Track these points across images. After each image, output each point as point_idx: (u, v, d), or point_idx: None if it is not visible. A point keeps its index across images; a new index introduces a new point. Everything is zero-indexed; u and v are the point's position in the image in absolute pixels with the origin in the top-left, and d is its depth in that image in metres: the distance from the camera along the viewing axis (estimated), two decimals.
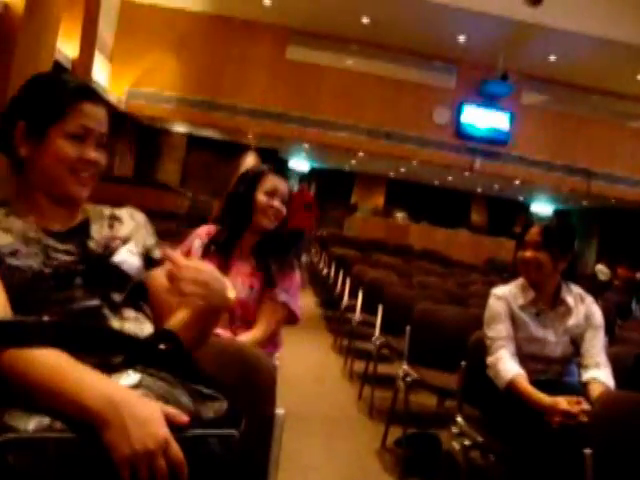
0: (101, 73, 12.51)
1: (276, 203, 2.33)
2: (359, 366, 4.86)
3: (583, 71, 13.32)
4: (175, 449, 0.94)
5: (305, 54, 14.13)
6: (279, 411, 1.45)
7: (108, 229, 1.38)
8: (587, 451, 1.58)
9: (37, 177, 1.29)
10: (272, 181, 2.35)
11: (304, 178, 10.55)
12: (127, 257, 1.33)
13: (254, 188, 2.34)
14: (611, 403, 1.69)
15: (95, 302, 1.22)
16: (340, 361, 5.39)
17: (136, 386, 1.04)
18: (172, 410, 0.99)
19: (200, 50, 13.57)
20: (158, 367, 1.11)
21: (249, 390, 1.44)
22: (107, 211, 1.44)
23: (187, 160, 16.78)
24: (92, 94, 1.34)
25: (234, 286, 2.15)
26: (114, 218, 1.42)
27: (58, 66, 9.44)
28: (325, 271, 8.22)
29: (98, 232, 1.35)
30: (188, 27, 13.50)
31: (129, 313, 1.28)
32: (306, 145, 14.97)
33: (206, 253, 2.30)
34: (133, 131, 15.43)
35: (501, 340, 2.35)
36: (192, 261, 1.24)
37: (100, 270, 1.28)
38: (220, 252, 2.31)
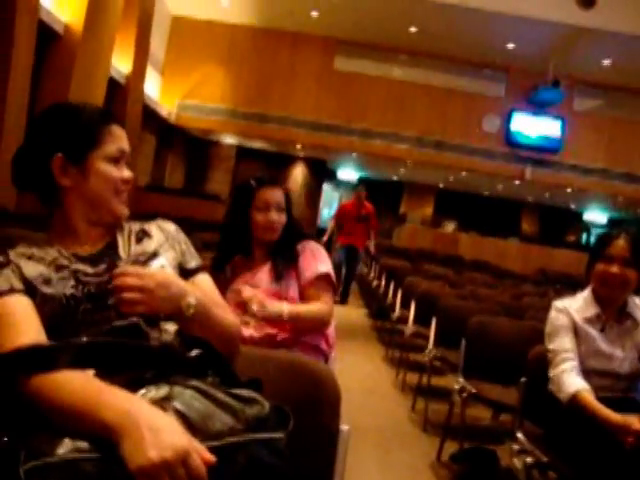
0: (153, 87, 12.81)
1: (273, 216, 2.33)
2: (411, 378, 4.82)
3: (636, 74, 12.98)
4: (195, 460, 0.92)
5: (353, 64, 14.18)
6: (344, 427, 1.44)
7: (136, 245, 1.39)
8: None
9: (81, 204, 1.32)
10: (262, 195, 2.33)
11: (358, 186, 9.52)
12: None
13: (248, 206, 2.35)
14: None
15: (133, 319, 1.22)
16: (392, 373, 5.35)
17: (166, 398, 1.03)
18: (198, 446, 0.95)
19: (249, 63, 13.77)
20: (191, 375, 1.11)
21: (314, 405, 1.44)
22: (136, 226, 1.44)
23: (236, 171, 16.95)
24: (114, 117, 1.38)
25: (260, 286, 2.20)
26: (143, 233, 1.43)
27: (113, 82, 9.70)
28: (375, 282, 8.18)
29: (126, 250, 1.36)
30: (237, 40, 13.72)
31: (169, 326, 1.29)
32: (354, 155, 14.98)
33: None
34: (183, 143, 15.71)
35: (564, 353, 2.27)
36: (134, 267, 1.24)
37: None
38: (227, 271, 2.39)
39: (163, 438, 0.91)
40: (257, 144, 16.17)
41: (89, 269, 1.29)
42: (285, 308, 2.16)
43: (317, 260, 2.34)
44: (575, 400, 2.14)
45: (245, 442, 1.01)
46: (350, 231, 8.79)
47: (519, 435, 2.38)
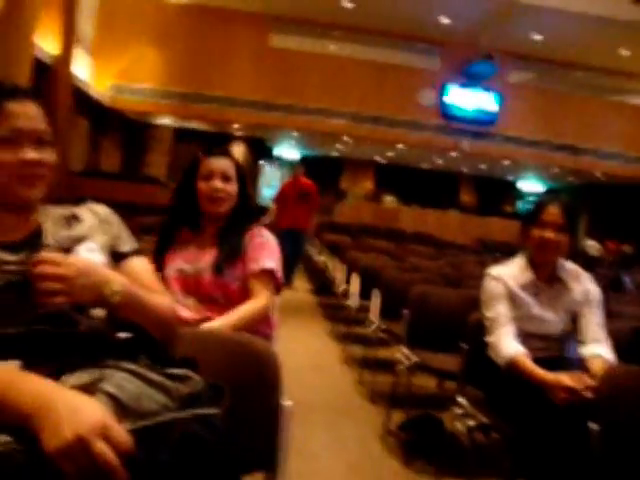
0: (83, 69, 12.40)
1: (217, 184, 2.25)
2: (357, 352, 4.87)
3: (567, 48, 13.31)
4: (117, 431, 0.89)
5: (288, 41, 14.07)
6: (286, 402, 1.44)
7: (65, 230, 1.33)
8: (594, 426, 1.58)
9: None
10: (206, 164, 2.28)
11: (299, 163, 9.00)
12: (86, 256, 1.28)
13: (194, 178, 2.29)
14: (615, 377, 1.70)
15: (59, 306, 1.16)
16: (338, 348, 5.40)
17: (94, 382, 1.01)
18: (116, 426, 0.92)
19: (183, 42, 13.46)
20: (122, 358, 1.09)
21: (254, 382, 1.44)
22: (66, 211, 1.38)
23: (174, 153, 16.69)
24: (15, 92, 1.26)
25: (202, 272, 2.16)
26: (73, 217, 1.37)
27: (40, 64, 9.35)
28: (318, 258, 8.22)
29: (53, 235, 1.30)
30: (169, 18, 13.39)
31: (97, 311, 1.24)
32: (293, 133, 14.94)
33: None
34: (119, 126, 15.33)
35: (501, 320, 2.34)
36: (53, 255, 1.15)
37: None
38: (174, 245, 2.31)
39: (78, 416, 0.88)
40: (194, 125, 15.93)
41: (10, 257, 1.22)
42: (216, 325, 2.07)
43: (265, 253, 2.28)
44: (512, 364, 2.21)
45: (178, 419, 1.00)
46: (292, 212, 8.14)
47: (461, 400, 2.44)
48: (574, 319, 2.42)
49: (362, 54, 14.27)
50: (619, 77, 14.61)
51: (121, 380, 1.02)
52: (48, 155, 1.29)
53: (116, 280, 1.19)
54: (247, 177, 2.41)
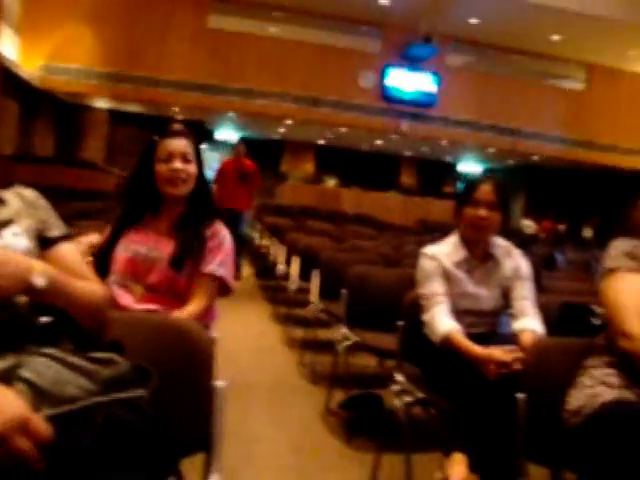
0: (9, 47, 11.89)
1: (176, 164, 2.17)
2: (298, 333, 4.88)
3: (503, 33, 13.55)
4: (36, 423, 0.88)
5: (227, 22, 13.84)
6: (218, 383, 1.43)
7: None
8: (520, 396, 1.63)
9: None
10: (164, 146, 2.20)
11: (240, 142, 8.33)
12: (11, 240, 1.24)
13: (152, 161, 2.21)
14: (542, 349, 1.75)
15: None
16: (279, 330, 5.40)
17: (10, 369, 0.99)
18: (35, 418, 0.90)
19: (119, 21, 13.05)
20: (43, 343, 1.06)
21: (187, 365, 1.42)
22: None
23: (112, 137, 16.30)
24: None
25: (157, 262, 2.11)
26: None
27: None
28: (259, 241, 8.19)
29: None
30: None
31: (19, 298, 1.20)
32: (232, 115, 14.77)
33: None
34: (52, 108, 14.83)
35: (436, 297, 2.38)
36: None
37: None
38: (133, 229, 2.23)
39: None
40: (132, 108, 15.57)
41: None
42: None
43: (219, 257, 2.21)
44: (447, 340, 2.26)
45: (100, 403, 0.99)
46: (232, 193, 7.60)
47: (398, 377, 2.48)
48: (506, 294, 2.48)
49: (303, 36, 14.17)
50: (551, 62, 14.98)
51: (40, 365, 0.99)
52: None
53: (40, 268, 1.15)
54: (202, 159, 2.33)
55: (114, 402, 1.00)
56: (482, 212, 2.38)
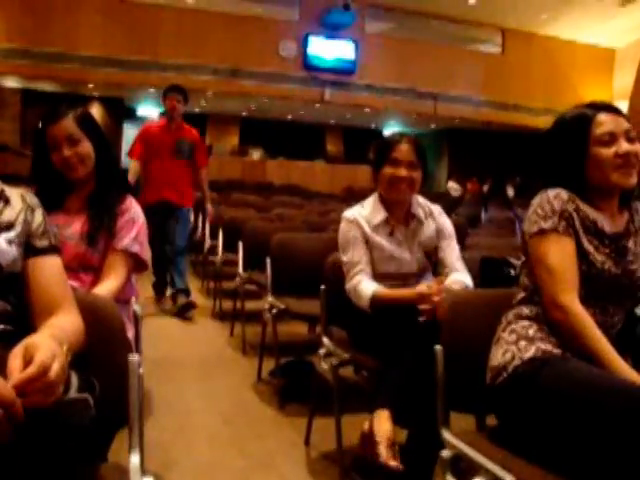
0: None
1: (64, 152, 2.10)
2: (228, 305, 4.86)
3: None
4: (1, 387, 0.88)
5: None
6: (133, 357, 1.41)
7: None
8: (437, 347, 1.67)
9: None
10: (49, 134, 2.11)
11: (171, 92, 5.14)
12: (3, 246, 1.22)
13: (45, 150, 2.13)
14: (458, 301, 1.79)
15: None
16: (209, 303, 5.38)
17: None
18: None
19: None
20: None
21: (100, 342, 1.39)
22: None
23: (25, 117, 15.59)
24: None
25: (69, 239, 2.05)
26: (2, 198, 1.30)
27: None
28: None
29: None
30: None
31: None
32: (152, 90, 14.36)
33: None
34: None
35: (357, 265, 2.36)
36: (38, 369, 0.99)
37: None
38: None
39: None
40: (45, 86, 14.91)
41: None
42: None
43: (131, 233, 2.17)
44: (374, 300, 2.27)
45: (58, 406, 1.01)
46: (163, 175, 4.97)
47: (324, 340, 2.50)
48: (430, 255, 2.48)
49: (220, 6, 13.83)
50: (469, 26, 15.22)
51: None
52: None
53: (62, 353, 1.07)
54: (101, 130, 2.23)
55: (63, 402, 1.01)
56: (402, 172, 2.35)
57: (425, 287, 2.11)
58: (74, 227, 2.12)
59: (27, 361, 0.97)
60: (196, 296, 5.63)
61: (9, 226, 1.27)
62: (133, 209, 2.24)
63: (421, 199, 2.54)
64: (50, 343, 1.04)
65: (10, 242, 1.25)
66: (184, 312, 4.88)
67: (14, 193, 1.34)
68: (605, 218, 1.63)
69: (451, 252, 2.47)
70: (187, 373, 3.64)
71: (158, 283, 5.33)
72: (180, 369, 3.69)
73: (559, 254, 1.57)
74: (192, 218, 5.94)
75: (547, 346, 1.54)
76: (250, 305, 4.37)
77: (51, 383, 0.97)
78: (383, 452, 1.74)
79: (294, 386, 3.32)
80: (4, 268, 1.23)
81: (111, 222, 2.15)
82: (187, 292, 5.05)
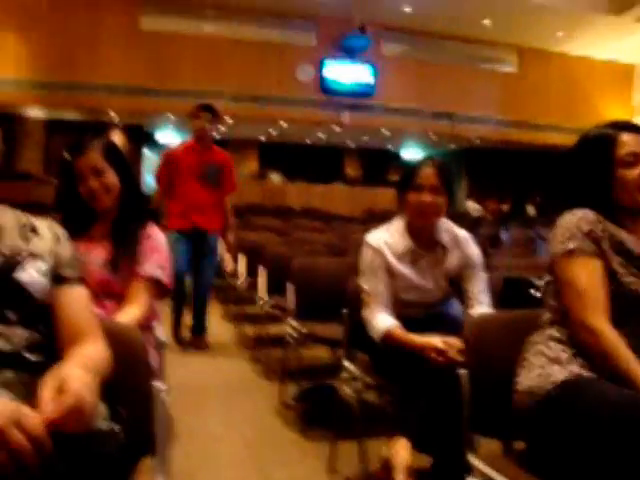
0: None
1: (90, 183, 2.14)
2: (250, 330, 4.86)
3: (436, 20, 13.68)
4: (29, 420, 0.88)
5: (160, 23, 13.58)
6: (158, 385, 1.41)
7: (21, 240, 1.28)
8: (462, 372, 1.65)
9: None
10: (77, 165, 2.15)
11: (201, 109, 4.83)
12: (35, 277, 1.25)
13: (71, 180, 2.17)
14: (482, 323, 1.78)
15: None
16: (231, 328, 5.38)
17: None
18: (26, 409, 0.91)
19: (46, 27, 12.63)
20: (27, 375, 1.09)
21: (126, 370, 1.40)
22: (26, 220, 1.34)
23: (49, 146, 15.86)
24: None
25: (92, 266, 2.08)
26: (32, 229, 1.32)
27: None
28: None
29: (8, 243, 1.26)
30: (28, 3, 12.56)
31: (19, 331, 1.21)
32: (171, 117, 14.55)
33: None
34: None
35: (376, 295, 2.33)
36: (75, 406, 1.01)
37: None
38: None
39: None
40: (67, 115, 15.17)
41: None
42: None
43: (155, 258, 2.20)
44: (386, 338, 2.24)
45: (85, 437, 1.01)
46: (189, 200, 4.66)
47: (347, 364, 2.49)
48: (454, 283, 2.43)
49: (238, 33, 14.04)
50: (484, 46, 15.26)
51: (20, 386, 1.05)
52: None
53: (90, 386, 1.08)
54: (126, 160, 2.27)
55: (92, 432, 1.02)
56: (426, 197, 2.29)
57: (441, 343, 2.03)
58: (98, 254, 2.14)
59: (59, 391, 0.99)
60: (218, 321, 5.65)
61: (39, 257, 1.29)
62: (156, 235, 2.27)
63: (447, 223, 2.47)
64: (82, 373, 1.05)
65: (40, 272, 1.26)
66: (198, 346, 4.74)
67: (43, 224, 1.36)
68: (632, 238, 1.60)
69: (476, 282, 2.40)
70: (210, 398, 3.64)
71: (176, 320, 4.79)
72: (202, 394, 3.69)
73: (587, 275, 1.54)
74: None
75: (577, 369, 1.51)
76: (272, 329, 4.37)
77: (84, 414, 0.99)
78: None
79: (317, 411, 3.31)
80: (35, 298, 1.24)
81: (134, 249, 2.17)
82: (204, 330, 4.83)
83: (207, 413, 3.38)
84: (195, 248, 4.66)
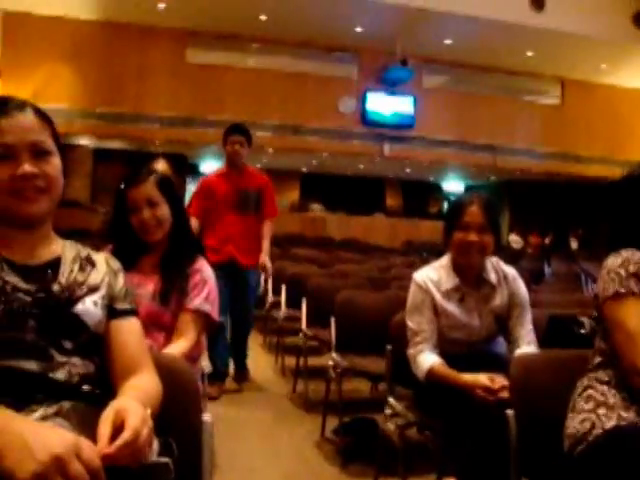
0: None
1: (144, 215, 2.19)
2: (290, 362, 4.86)
3: (478, 52, 13.73)
4: (88, 451, 0.90)
5: (205, 56, 13.94)
6: (206, 418, 1.44)
7: (79, 272, 1.31)
8: (509, 412, 1.63)
9: None
10: (130, 196, 2.21)
11: (234, 133, 4.52)
12: (90, 308, 1.28)
13: (125, 211, 2.22)
14: (528, 363, 1.76)
15: (39, 343, 1.18)
16: (271, 359, 5.39)
17: (53, 415, 1.05)
18: (87, 441, 0.93)
19: (97, 60, 13.10)
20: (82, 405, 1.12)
21: (175, 401, 1.42)
22: (84, 252, 1.37)
23: (96, 174, 16.25)
24: (3, 106, 1.22)
25: (141, 298, 2.12)
26: (89, 261, 1.36)
27: None
28: None
29: (67, 274, 1.29)
30: (81, 36, 12.98)
31: (75, 360, 1.23)
32: (214, 147, 14.81)
33: None
34: None
35: (421, 333, 2.31)
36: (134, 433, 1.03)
37: (57, 316, 1.22)
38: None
39: (49, 438, 0.88)
40: (114, 144, 15.59)
41: (22, 284, 1.21)
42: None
43: (203, 293, 2.23)
44: (430, 376, 2.22)
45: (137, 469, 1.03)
46: (226, 232, 4.30)
47: (390, 400, 2.48)
48: (500, 321, 2.40)
49: (280, 66, 14.30)
50: (527, 77, 15.21)
51: (78, 416, 1.07)
52: (47, 166, 1.25)
53: (147, 415, 1.11)
54: (177, 194, 2.33)
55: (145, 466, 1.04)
56: (472, 236, 2.26)
57: (488, 380, 1.99)
58: (148, 287, 2.19)
59: (117, 426, 1.01)
60: (258, 351, 5.67)
61: (95, 289, 1.31)
62: (204, 270, 2.31)
63: (495, 261, 2.45)
64: (139, 408, 1.08)
65: (96, 304, 1.29)
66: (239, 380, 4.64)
67: (99, 257, 1.40)
68: None
69: (522, 322, 2.36)
70: (250, 430, 3.64)
71: (215, 369, 4.17)
72: (242, 426, 3.69)
73: (637, 318, 1.50)
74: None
75: (629, 414, 1.48)
76: (313, 361, 4.37)
77: (141, 448, 1.01)
78: None
79: (358, 445, 3.27)
80: (91, 329, 1.27)
81: (183, 282, 2.21)
82: (244, 368, 4.65)
83: (247, 444, 3.38)
84: (234, 284, 4.22)
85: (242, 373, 4.65)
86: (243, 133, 4.47)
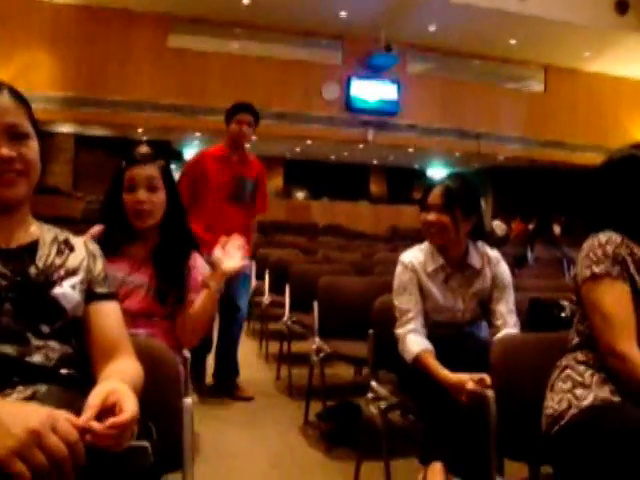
0: None
1: (140, 195, 2.11)
2: (274, 347, 4.87)
3: (462, 38, 13.73)
4: (63, 423, 0.89)
5: (188, 41, 13.80)
6: (187, 400, 1.43)
7: (57, 255, 1.30)
8: (489, 393, 1.65)
9: None
10: (128, 174, 2.13)
11: (238, 111, 4.17)
12: (68, 291, 1.27)
13: (120, 190, 2.15)
14: (509, 346, 1.77)
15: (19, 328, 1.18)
16: (255, 345, 5.40)
17: (28, 398, 1.05)
18: (62, 413, 0.92)
19: (77, 45, 12.91)
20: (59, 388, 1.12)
21: (155, 385, 1.42)
22: (62, 236, 1.36)
23: (77, 161, 16.11)
24: None
25: (133, 286, 2.10)
26: (67, 245, 1.34)
27: None
28: None
29: (44, 258, 1.28)
30: (61, 21, 12.80)
31: (53, 344, 1.23)
32: (198, 133, 14.72)
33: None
34: None
35: (409, 313, 2.33)
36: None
37: (34, 300, 1.21)
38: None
39: (24, 415, 0.87)
40: (96, 131, 15.44)
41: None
42: None
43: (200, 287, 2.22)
44: (417, 361, 2.22)
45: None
46: (216, 221, 3.74)
47: (373, 384, 2.48)
48: (484, 303, 2.44)
49: (264, 51, 14.20)
50: (511, 65, 15.25)
51: (56, 398, 1.06)
52: (25, 150, 1.23)
53: (135, 403, 1.09)
54: (175, 184, 2.27)
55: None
56: (430, 216, 2.36)
57: (471, 383, 1.96)
58: (141, 277, 2.14)
59: (107, 406, 1.00)
60: (242, 337, 5.65)
61: (73, 272, 1.31)
62: (200, 266, 2.27)
63: (480, 245, 2.49)
64: (132, 394, 1.07)
65: (74, 287, 1.29)
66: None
67: (78, 241, 1.39)
68: None
69: (505, 304, 2.40)
70: (234, 415, 3.65)
71: (197, 364, 3.92)
72: (226, 412, 3.70)
73: (613, 299, 1.52)
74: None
75: (605, 394, 1.50)
76: (296, 347, 4.38)
77: (128, 432, 1.01)
78: None
79: (342, 430, 3.28)
80: (68, 312, 1.26)
81: (181, 280, 2.18)
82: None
83: (231, 429, 3.39)
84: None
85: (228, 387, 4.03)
86: (253, 113, 4.10)
